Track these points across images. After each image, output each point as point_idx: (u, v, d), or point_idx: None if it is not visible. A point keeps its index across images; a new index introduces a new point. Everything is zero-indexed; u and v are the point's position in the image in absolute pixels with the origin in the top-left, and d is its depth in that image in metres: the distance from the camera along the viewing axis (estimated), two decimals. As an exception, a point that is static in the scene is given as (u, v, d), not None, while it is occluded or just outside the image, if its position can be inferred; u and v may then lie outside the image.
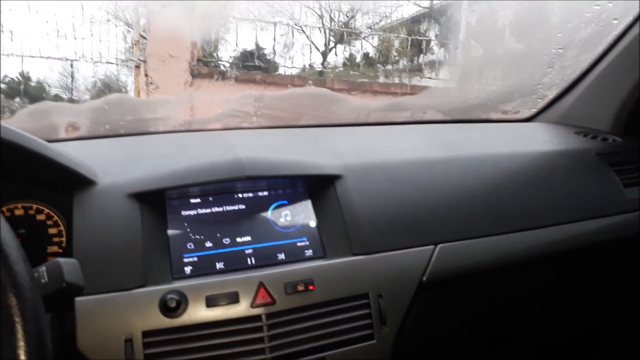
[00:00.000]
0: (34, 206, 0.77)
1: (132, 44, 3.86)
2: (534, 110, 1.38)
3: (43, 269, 0.56)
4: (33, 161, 0.71)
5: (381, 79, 5.63)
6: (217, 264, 0.77)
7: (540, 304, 1.02)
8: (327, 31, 5.95)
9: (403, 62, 5.87)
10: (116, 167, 0.83)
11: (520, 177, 1.00)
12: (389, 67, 5.92)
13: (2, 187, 0.75)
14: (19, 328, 0.43)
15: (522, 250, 0.93)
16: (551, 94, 1.35)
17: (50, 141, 0.77)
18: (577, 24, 1.26)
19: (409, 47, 5.63)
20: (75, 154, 0.79)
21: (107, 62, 4.01)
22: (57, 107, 1.06)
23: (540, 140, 1.19)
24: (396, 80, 5.54)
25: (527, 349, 1.08)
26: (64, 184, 0.76)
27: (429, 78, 5.32)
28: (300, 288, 0.74)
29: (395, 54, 5.98)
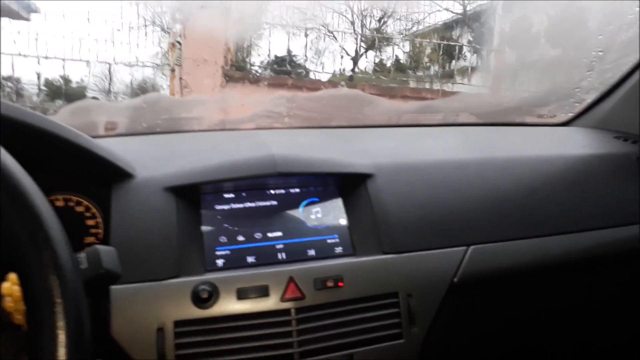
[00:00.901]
0: (74, 198, 0.80)
1: (168, 48, 3.96)
2: (571, 115, 1.35)
3: (83, 254, 0.58)
4: (76, 154, 0.74)
5: (412, 85, 5.59)
6: (248, 257, 0.78)
7: (574, 310, 1.00)
8: (359, 37, 5.96)
9: (434, 68, 5.82)
10: (153, 162, 0.85)
11: (557, 180, 0.97)
12: (420, 72, 5.88)
13: (44, 179, 0.78)
14: (60, 308, 0.45)
15: (556, 254, 0.90)
16: (589, 98, 1.31)
17: (90, 137, 0.80)
18: (618, 26, 1.23)
19: (441, 53, 5.58)
20: (115, 150, 0.82)
21: (144, 66, 4.12)
22: (98, 105, 1.10)
23: (577, 144, 1.16)
24: (427, 86, 5.49)
25: (557, 354, 1.05)
26: (104, 176, 0.79)
27: (461, 84, 5.26)
28: (330, 284, 0.74)
29: (427, 59, 5.93)
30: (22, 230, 0.46)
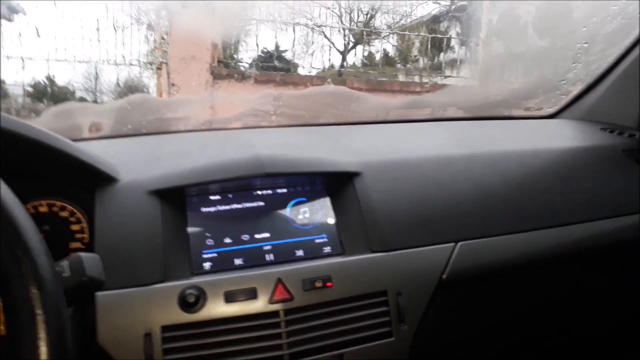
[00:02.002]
0: (58, 203, 0.79)
1: (154, 46, 3.92)
2: (557, 107, 1.35)
3: (65, 263, 0.57)
4: (57, 159, 0.73)
5: (401, 78, 5.59)
6: (235, 260, 0.77)
7: (563, 303, 1.00)
8: (347, 31, 5.94)
9: (423, 61, 5.82)
10: (137, 165, 0.84)
11: (544, 174, 0.98)
12: (409, 65, 5.88)
13: (27, 185, 0.77)
14: (40, 320, 0.44)
15: (545, 248, 0.90)
16: (575, 90, 1.32)
17: (74, 140, 0.79)
18: (602, 17, 1.23)
19: (429, 45, 5.58)
20: (98, 153, 0.81)
21: (130, 64, 4.08)
22: (82, 108, 1.08)
23: (564, 136, 1.16)
24: (416, 79, 5.50)
25: (549, 348, 1.06)
26: (87, 181, 0.78)
27: (450, 76, 5.27)
28: (318, 285, 0.74)
29: (416, 52, 5.93)
30: (0, 240, 0.45)
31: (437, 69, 5.56)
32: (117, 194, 0.77)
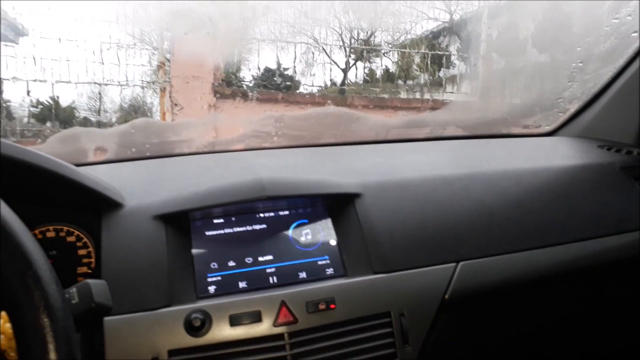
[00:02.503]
0: (65, 228, 0.80)
1: (157, 67, 3.97)
2: (555, 124, 1.37)
3: (74, 290, 0.59)
4: (63, 185, 0.74)
5: (402, 95, 5.64)
6: (239, 283, 0.78)
7: (565, 320, 1.00)
8: (347, 49, 6.01)
9: (424, 77, 5.87)
10: (142, 189, 0.86)
11: (542, 192, 0.99)
12: (410, 82, 5.93)
13: (34, 211, 0.78)
14: (51, 348, 0.45)
15: (545, 266, 0.91)
16: (573, 108, 1.34)
17: (79, 165, 0.81)
18: (596, 37, 1.26)
19: (429, 62, 5.64)
20: (103, 177, 0.83)
21: (134, 85, 4.13)
22: (86, 133, 1.10)
23: (562, 154, 1.18)
24: (417, 96, 5.54)
25: None
26: (93, 206, 0.79)
27: (450, 92, 5.30)
28: (322, 307, 0.75)
29: (416, 69, 5.99)
30: (11, 270, 0.47)
31: (437, 85, 5.61)
32: (122, 219, 0.78)
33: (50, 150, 0.84)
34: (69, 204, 0.81)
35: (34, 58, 4.16)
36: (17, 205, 0.53)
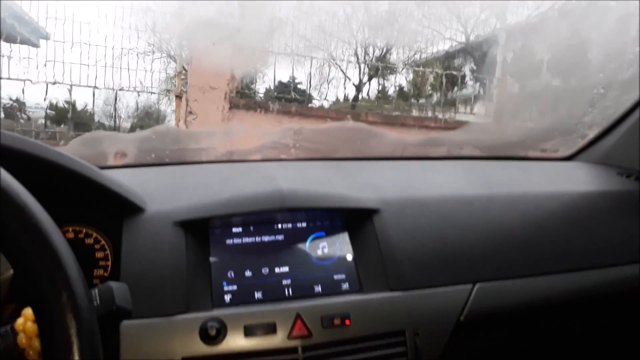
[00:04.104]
0: (84, 230, 0.81)
1: (175, 75, 4.02)
2: (574, 149, 1.37)
3: (96, 291, 0.59)
4: (89, 187, 0.75)
5: (415, 113, 5.65)
6: (255, 293, 0.78)
7: (581, 347, 0.99)
8: (362, 65, 6.05)
9: (437, 96, 5.89)
10: (163, 195, 0.87)
11: (562, 218, 0.98)
12: (423, 101, 5.95)
13: (57, 211, 0.79)
14: (75, 348, 0.45)
15: (563, 292, 0.90)
16: (592, 133, 1.33)
17: (101, 168, 0.82)
18: (618, 65, 1.26)
19: (443, 81, 5.66)
20: (125, 181, 0.83)
21: (151, 92, 4.19)
22: (108, 136, 1.12)
23: (581, 180, 1.17)
24: (430, 114, 5.55)
25: None
26: (115, 209, 0.80)
27: (464, 113, 5.31)
28: (337, 322, 0.74)
29: (430, 88, 6.01)
30: (42, 269, 0.47)
31: (451, 104, 5.62)
32: (144, 223, 0.79)
33: (72, 152, 0.84)
34: (92, 206, 0.81)
35: (53, 61, 4.23)
36: (41, 204, 0.54)
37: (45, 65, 4.13)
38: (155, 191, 0.88)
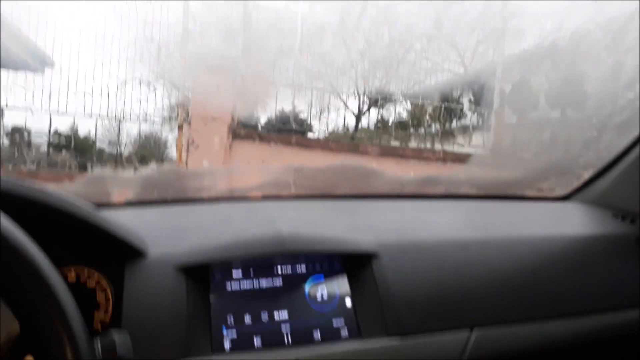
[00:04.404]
0: (86, 271, 0.82)
1: (177, 106, 4.08)
2: (569, 189, 1.39)
3: (98, 342, 0.60)
4: (91, 232, 0.76)
5: (414, 143, 5.71)
6: (255, 339, 0.78)
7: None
8: (361, 96, 6.13)
9: (436, 127, 5.95)
10: (164, 237, 0.88)
11: (558, 262, 0.99)
12: (422, 131, 6.01)
13: (57, 252, 0.80)
14: None
15: (561, 337, 0.91)
16: (587, 174, 1.35)
17: (102, 205, 0.83)
18: (611, 109, 1.29)
19: (441, 112, 5.73)
20: (127, 223, 0.85)
21: (153, 123, 4.24)
22: (112, 176, 1.14)
23: (577, 222, 1.19)
24: (428, 145, 5.60)
25: None
26: (118, 253, 0.81)
27: (462, 145, 5.36)
28: None
29: (428, 119, 6.08)
30: (46, 324, 0.48)
31: (450, 134, 5.68)
32: (146, 268, 0.80)
33: (75, 190, 0.86)
34: (93, 250, 0.82)
35: (58, 90, 4.29)
36: (41, 245, 0.55)
37: (50, 94, 4.19)
38: (157, 233, 0.89)
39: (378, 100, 5.97)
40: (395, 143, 5.29)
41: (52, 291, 0.50)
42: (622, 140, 1.25)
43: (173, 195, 1.17)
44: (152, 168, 1.18)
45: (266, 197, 1.28)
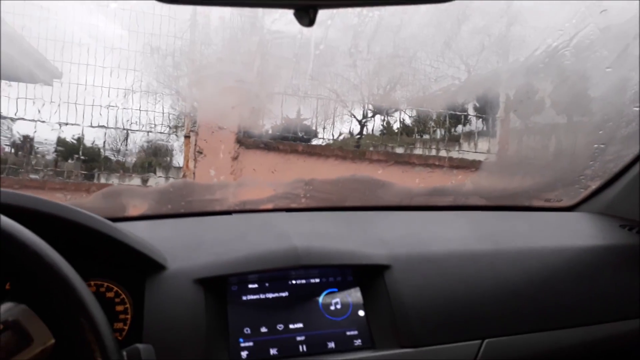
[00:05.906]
0: (105, 284, 0.84)
1: (184, 115, 4.12)
2: (576, 199, 1.40)
3: (124, 354, 0.62)
4: (114, 246, 0.79)
5: (419, 149, 5.72)
6: (271, 349, 0.81)
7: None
8: (366, 103, 6.16)
9: (440, 133, 5.96)
10: (182, 251, 0.90)
11: (566, 273, 1.01)
12: (427, 137, 6.02)
13: (78, 265, 0.83)
14: None
15: (569, 347, 0.92)
16: (594, 185, 1.37)
17: (119, 219, 0.85)
18: (618, 122, 1.31)
19: (446, 119, 5.74)
20: (146, 236, 0.88)
21: (160, 132, 4.27)
22: (128, 190, 1.16)
23: (584, 232, 1.20)
24: (433, 152, 5.62)
25: None
26: (138, 267, 0.84)
27: (467, 151, 5.38)
28: None
29: (433, 125, 6.09)
30: (80, 336, 0.51)
31: (455, 140, 5.69)
32: (166, 281, 0.82)
33: (92, 204, 0.89)
34: (113, 263, 0.85)
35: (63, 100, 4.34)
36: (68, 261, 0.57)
37: (59, 105, 4.25)
38: (175, 246, 0.92)
39: (382, 107, 5.99)
40: (400, 149, 5.31)
41: (84, 305, 0.53)
42: (629, 151, 1.26)
43: (185, 209, 1.19)
44: (164, 181, 1.20)
45: (278, 209, 1.30)
